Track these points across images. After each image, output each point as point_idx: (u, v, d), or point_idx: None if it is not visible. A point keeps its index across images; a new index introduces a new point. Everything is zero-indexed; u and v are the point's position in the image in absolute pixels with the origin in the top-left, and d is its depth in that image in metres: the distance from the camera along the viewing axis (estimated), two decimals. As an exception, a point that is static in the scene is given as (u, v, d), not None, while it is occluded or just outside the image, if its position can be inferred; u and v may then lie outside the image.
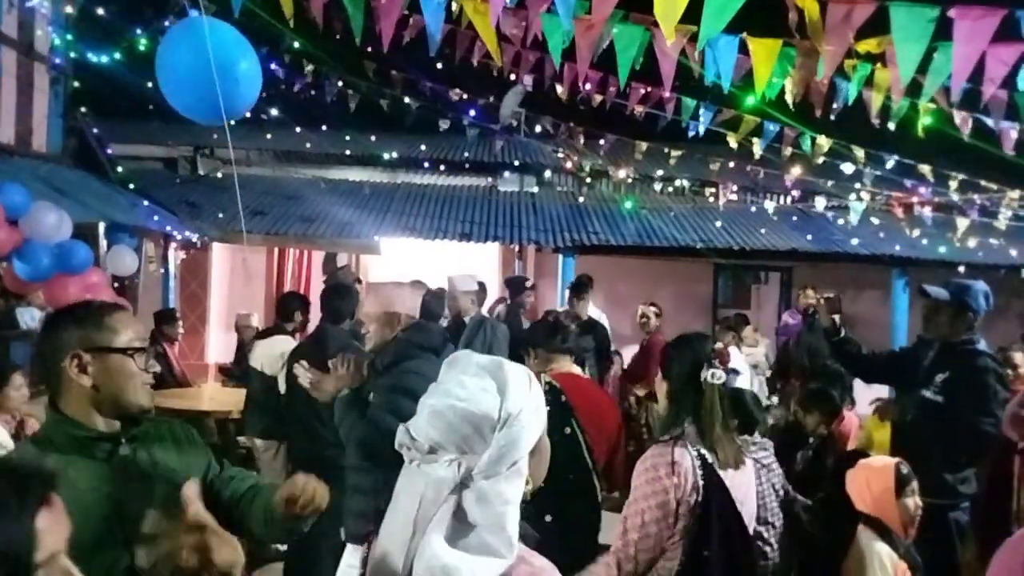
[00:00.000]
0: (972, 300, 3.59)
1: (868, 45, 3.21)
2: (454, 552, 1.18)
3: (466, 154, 12.01)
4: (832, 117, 4.43)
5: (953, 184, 7.69)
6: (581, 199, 11.25)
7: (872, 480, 2.67)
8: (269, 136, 11.41)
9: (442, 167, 11.87)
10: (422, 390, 1.31)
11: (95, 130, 8.41)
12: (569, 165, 11.32)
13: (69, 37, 7.63)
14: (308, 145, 11.63)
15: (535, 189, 11.81)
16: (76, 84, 7.89)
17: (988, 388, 3.42)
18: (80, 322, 1.67)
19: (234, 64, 3.90)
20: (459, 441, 1.22)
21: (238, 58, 3.96)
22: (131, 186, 8.67)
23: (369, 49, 4.50)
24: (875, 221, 9.37)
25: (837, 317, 3.96)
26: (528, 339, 3.46)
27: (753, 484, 2.47)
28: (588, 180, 11.67)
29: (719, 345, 2.48)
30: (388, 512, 1.29)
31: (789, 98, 3.72)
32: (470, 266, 8.56)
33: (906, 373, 3.78)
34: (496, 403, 1.25)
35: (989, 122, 4.53)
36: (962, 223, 8.01)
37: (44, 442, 1.66)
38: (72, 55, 7.75)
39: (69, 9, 7.56)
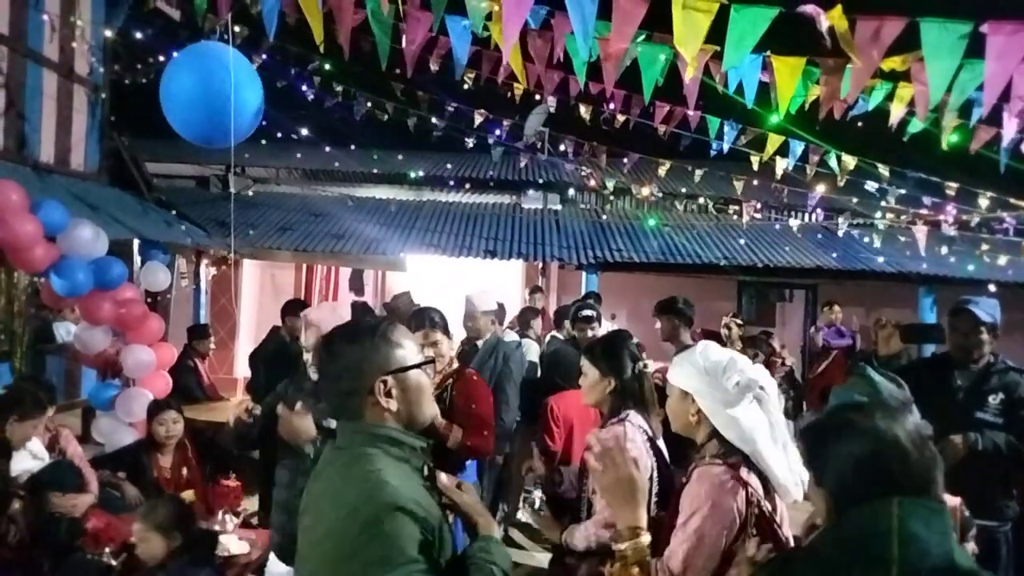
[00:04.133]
0: (1000, 319, 3.58)
1: (893, 63, 3.20)
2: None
3: (491, 172, 12.13)
4: (857, 126, 4.41)
5: (982, 202, 7.61)
6: (604, 216, 11.29)
7: None
8: (299, 155, 11.63)
9: (467, 185, 12.00)
10: None
11: (130, 149, 8.62)
12: (592, 183, 11.37)
13: (106, 61, 7.86)
14: (336, 164, 11.83)
15: (559, 207, 11.89)
16: (113, 105, 8.11)
17: None
18: (376, 346, 1.62)
19: (235, 90, 4.05)
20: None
21: (239, 84, 4.12)
22: (164, 202, 8.87)
23: (397, 71, 4.60)
24: (901, 239, 9.30)
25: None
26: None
27: None
28: (611, 198, 11.72)
29: (636, 340, 2.81)
30: (757, 442, 2.09)
31: (820, 113, 3.72)
32: (494, 283, 8.62)
33: (930, 394, 3.71)
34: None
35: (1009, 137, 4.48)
36: (987, 241, 7.92)
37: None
38: (110, 77, 7.97)
39: (108, 33, 7.80)
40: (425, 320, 3.54)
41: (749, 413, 2.14)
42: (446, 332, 3.60)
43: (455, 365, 3.60)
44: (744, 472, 2.11)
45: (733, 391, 2.13)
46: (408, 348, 1.66)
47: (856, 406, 1.60)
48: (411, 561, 1.42)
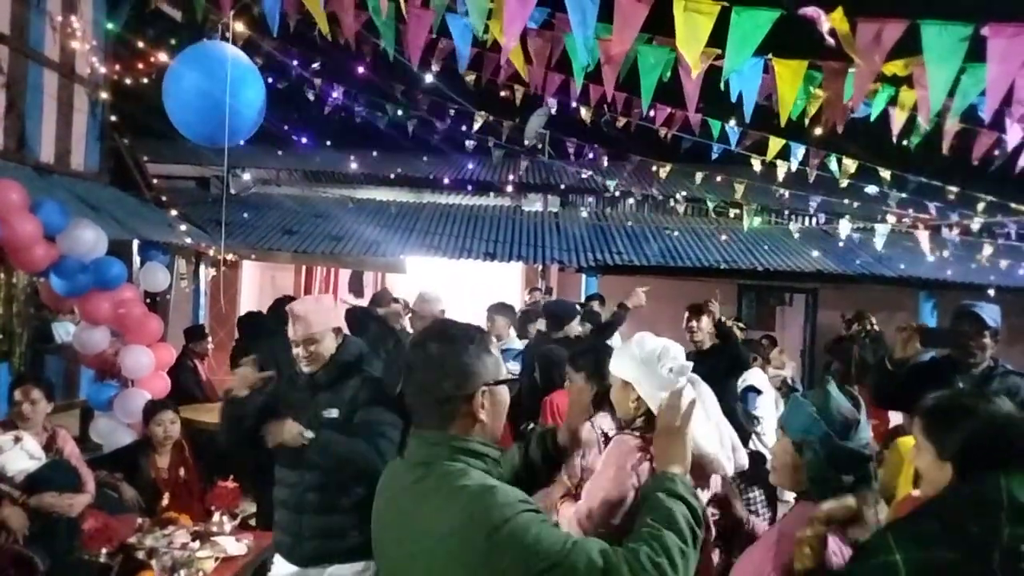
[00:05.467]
0: (1000, 324, 3.56)
1: (895, 67, 3.19)
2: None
3: (491, 175, 12.13)
4: (858, 130, 4.40)
5: (980, 206, 7.61)
6: (604, 219, 11.28)
7: None
8: (299, 156, 11.64)
9: (467, 187, 12.00)
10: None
11: (131, 149, 8.61)
12: (593, 186, 11.38)
13: (107, 61, 7.85)
14: (336, 165, 11.83)
15: (558, 209, 11.88)
16: (113, 105, 8.10)
17: None
18: (480, 355, 1.57)
19: (236, 89, 4.06)
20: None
21: (241, 83, 4.12)
22: (164, 203, 8.87)
23: (398, 72, 4.60)
24: (902, 243, 9.30)
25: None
26: None
27: None
28: (612, 200, 11.72)
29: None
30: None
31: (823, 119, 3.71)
32: (494, 285, 8.58)
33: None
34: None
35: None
36: (988, 246, 7.92)
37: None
38: (111, 78, 7.97)
39: (109, 33, 7.80)
40: None
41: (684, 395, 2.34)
42: None
43: None
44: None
45: (668, 376, 2.32)
46: (500, 363, 1.62)
47: (967, 392, 1.91)
48: (552, 547, 1.35)
